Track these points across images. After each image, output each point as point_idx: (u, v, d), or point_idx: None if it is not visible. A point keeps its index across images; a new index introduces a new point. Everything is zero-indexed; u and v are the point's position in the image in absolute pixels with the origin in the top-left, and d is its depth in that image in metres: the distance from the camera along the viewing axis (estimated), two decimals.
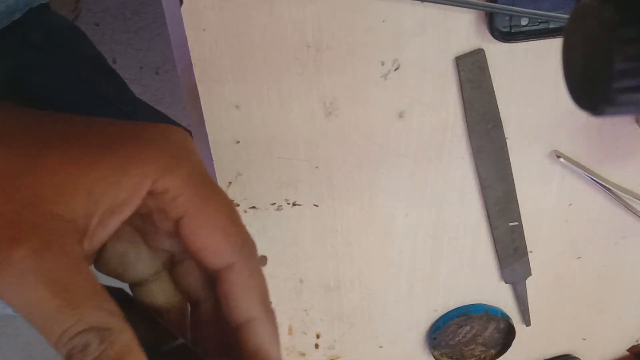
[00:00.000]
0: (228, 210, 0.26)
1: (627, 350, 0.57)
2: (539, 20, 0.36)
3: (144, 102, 0.74)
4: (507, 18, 0.36)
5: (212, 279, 0.27)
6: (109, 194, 0.23)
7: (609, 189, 0.45)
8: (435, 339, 0.50)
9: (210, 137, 0.38)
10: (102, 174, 0.23)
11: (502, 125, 0.41)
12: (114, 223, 0.24)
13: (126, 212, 0.24)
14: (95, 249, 0.24)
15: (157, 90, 1.27)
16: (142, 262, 0.28)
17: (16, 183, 0.22)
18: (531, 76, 0.39)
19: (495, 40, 0.36)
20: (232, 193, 0.40)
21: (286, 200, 0.41)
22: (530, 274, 0.48)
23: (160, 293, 0.29)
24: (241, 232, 0.26)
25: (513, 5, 0.34)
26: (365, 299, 0.47)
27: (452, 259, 0.46)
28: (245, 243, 0.26)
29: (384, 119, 0.39)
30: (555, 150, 0.43)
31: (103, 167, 0.23)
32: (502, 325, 0.51)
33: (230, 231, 0.26)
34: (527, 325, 0.51)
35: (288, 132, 0.38)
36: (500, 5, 0.34)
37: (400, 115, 0.39)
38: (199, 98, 0.36)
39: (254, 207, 0.41)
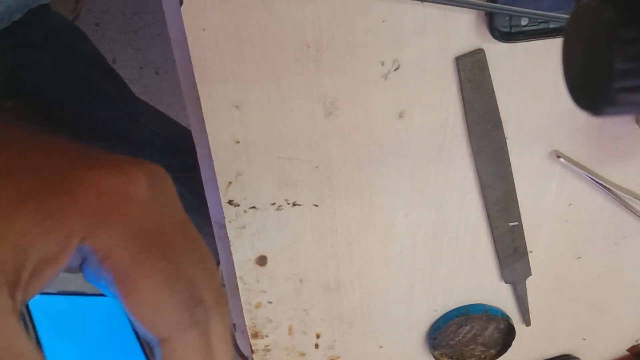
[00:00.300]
0: (164, 276, 0.23)
1: (627, 350, 0.57)
2: (539, 20, 0.36)
3: (144, 102, 0.74)
4: (507, 18, 0.36)
5: None
6: (38, 246, 0.21)
7: (609, 189, 0.44)
8: (435, 339, 0.50)
9: (210, 137, 0.38)
10: (28, 226, 0.21)
11: (502, 125, 0.41)
12: (49, 273, 0.22)
13: (59, 265, 0.22)
14: (34, 296, 0.22)
15: (157, 90, 1.27)
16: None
17: None
18: (531, 76, 0.39)
19: (495, 40, 0.36)
20: (232, 193, 0.40)
21: (286, 200, 0.41)
22: (530, 274, 0.48)
23: None
24: (179, 301, 0.23)
25: (513, 5, 0.34)
26: (365, 299, 0.47)
27: (452, 259, 0.46)
28: (185, 313, 0.23)
29: (384, 119, 0.39)
30: (555, 150, 0.43)
31: (28, 218, 0.21)
32: (502, 325, 0.51)
33: (162, 303, 0.23)
34: (527, 325, 0.51)
35: (288, 132, 0.38)
36: (500, 5, 0.34)
37: (400, 115, 0.39)
38: (199, 98, 0.36)
39: (254, 207, 0.41)
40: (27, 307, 0.63)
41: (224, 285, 0.48)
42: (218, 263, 0.47)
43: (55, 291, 0.62)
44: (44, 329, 0.64)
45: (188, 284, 0.24)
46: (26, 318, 0.61)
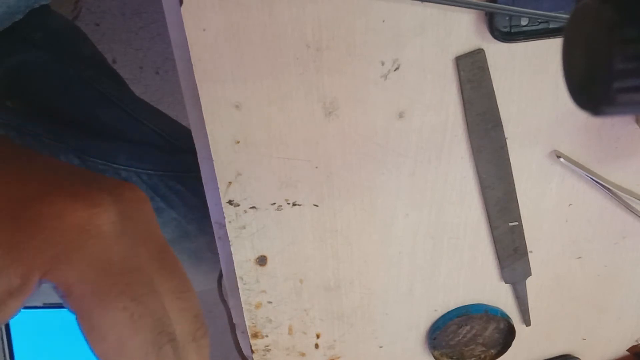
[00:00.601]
0: (127, 315, 0.22)
1: (627, 350, 0.57)
2: (539, 20, 0.36)
3: (145, 102, 0.74)
4: (507, 18, 0.36)
5: None
6: (2, 278, 0.21)
7: (609, 189, 0.44)
8: (435, 339, 0.50)
9: (210, 137, 0.38)
10: None
11: (502, 125, 0.41)
12: (13, 305, 0.21)
13: (22, 297, 0.21)
14: (3, 323, 0.22)
15: (157, 90, 1.27)
16: None
17: None
18: (531, 76, 0.39)
19: (495, 40, 0.36)
20: (232, 193, 0.40)
21: (286, 200, 0.41)
22: (530, 274, 0.48)
23: None
24: (144, 341, 0.22)
25: (513, 5, 0.34)
26: (365, 299, 0.47)
27: (452, 259, 0.46)
28: (151, 353, 0.22)
29: (384, 119, 0.39)
30: (555, 150, 0.43)
31: None
32: (502, 325, 0.51)
33: (125, 343, 0.22)
34: (527, 325, 0.51)
35: (288, 132, 0.38)
36: (500, 5, 0.34)
37: (400, 115, 0.39)
38: (199, 98, 0.36)
39: (254, 207, 0.41)
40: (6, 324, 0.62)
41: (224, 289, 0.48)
42: (219, 267, 0.47)
43: (40, 304, 0.61)
44: (22, 344, 0.63)
45: (157, 321, 0.23)
46: (3, 336, 0.60)
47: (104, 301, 0.22)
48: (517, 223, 0.45)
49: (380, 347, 0.51)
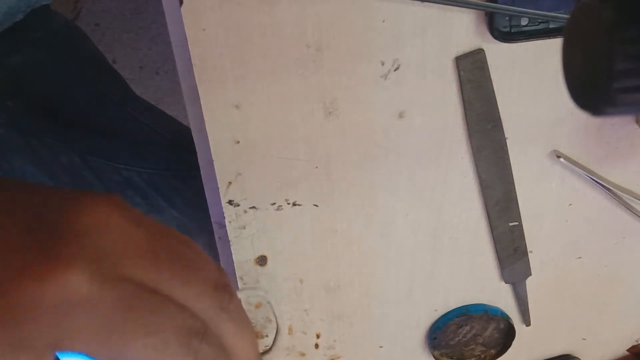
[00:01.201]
0: (151, 350, 0.22)
1: (627, 350, 0.57)
2: (539, 20, 0.36)
3: (145, 101, 0.74)
4: (507, 18, 0.36)
5: None
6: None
7: (609, 189, 0.45)
8: (435, 339, 0.50)
9: (210, 137, 0.38)
10: None
11: (502, 125, 0.41)
12: None
13: None
14: None
15: (157, 90, 1.27)
16: None
17: None
18: (531, 76, 0.39)
19: (495, 40, 0.36)
20: (232, 193, 0.40)
21: (286, 200, 0.41)
22: (530, 274, 0.48)
23: None
24: (179, 356, 0.22)
25: (513, 5, 0.34)
26: (365, 299, 0.47)
27: (452, 259, 0.46)
28: (188, 357, 0.23)
29: (384, 119, 0.39)
30: (555, 150, 0.43)
31: None
32: (502, 325, 0.51)
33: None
34: (527, 325, 0.51)
35: (288, 132, 0.38)
36: (500, 5, 0.34)
37: (400, 115, 0.39)
38: (199, 98, 0.36)
39: (254, 207, 0.41)
40: None
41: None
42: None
43: None
44: None
45: (180, 332, 0.22)
46: None
47: (122, 350, 0.22)
48: (517, 223, 0.45)
49: (380, 347, 0.51)
